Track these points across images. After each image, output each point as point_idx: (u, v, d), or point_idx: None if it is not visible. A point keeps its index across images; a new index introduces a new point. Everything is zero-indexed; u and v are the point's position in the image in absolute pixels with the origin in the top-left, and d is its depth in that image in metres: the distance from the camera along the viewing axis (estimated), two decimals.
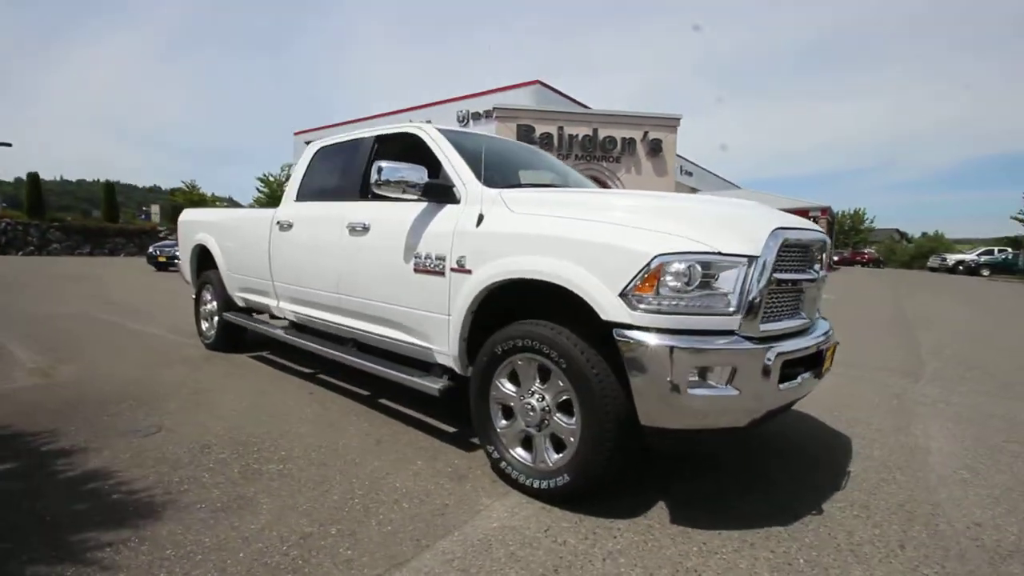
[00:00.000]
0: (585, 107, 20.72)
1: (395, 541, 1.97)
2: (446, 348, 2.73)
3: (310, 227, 3.65)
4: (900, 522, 2.26)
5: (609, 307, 2.01)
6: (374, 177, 2.69)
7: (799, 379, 2.18)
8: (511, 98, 20.89)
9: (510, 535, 2.04)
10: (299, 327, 4.07)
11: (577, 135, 15.36)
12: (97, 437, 2.79)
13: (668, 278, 1.93)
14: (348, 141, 3.73)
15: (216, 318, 5.04)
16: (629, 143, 15.33)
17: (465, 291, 2.53)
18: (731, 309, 1.97)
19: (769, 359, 1.98)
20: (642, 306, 1.96)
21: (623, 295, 1.99)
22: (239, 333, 5.03)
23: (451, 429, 3.14)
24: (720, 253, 1.95)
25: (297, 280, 3.78)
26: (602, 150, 15.48)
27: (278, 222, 3.93)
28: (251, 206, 27.56)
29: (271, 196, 25.70)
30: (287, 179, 27.71)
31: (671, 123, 15.73)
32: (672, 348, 1.90)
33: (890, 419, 3.62)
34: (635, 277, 1.96)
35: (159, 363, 4.49)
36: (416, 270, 2.80)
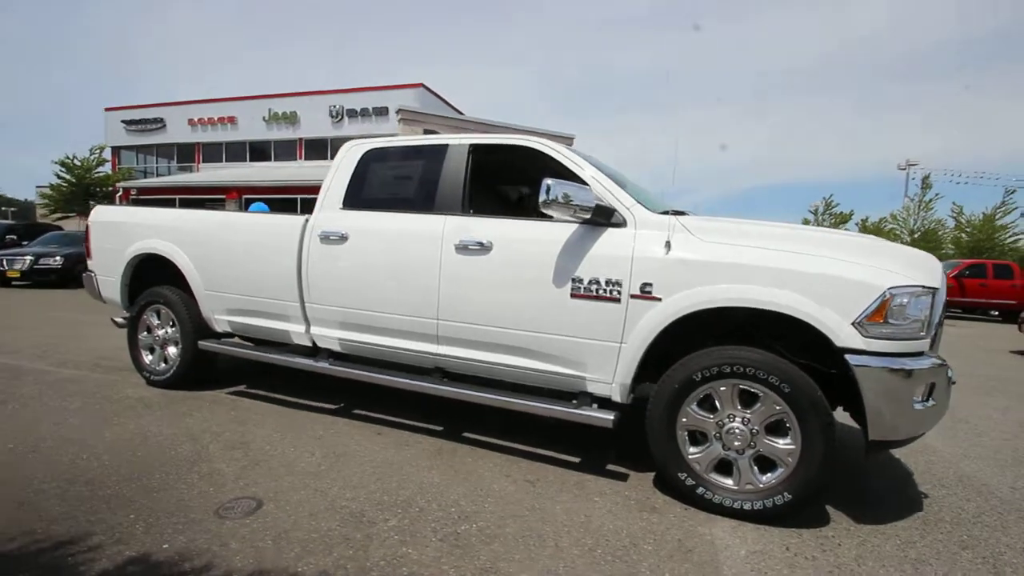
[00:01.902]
0: (460, 112, 20.89)
1: None
2: (608, 377, 2.65)
3: (383, 242, 3.16)
4: (979, 494, 2.85)
5: (844, 335, 2.20)
6: (543, 196, 2.49)
7: None
8: (392, 98, 20.03)
9: (770, 562, 2.09)
10: (338, 356, 3.47)
11: None
12: (187, 527, 2.07)
13: (894, 308, 2.20)
14: (423, 147, 3.33)
15: (173, 348, 4.01)
16: None
17: (650, 318, 2.50)
18: (922, 333, 2.30)
19: (950, 374, 2.37)
20: (873, 333, 2.19)
21: (856, 324, 2.19)
22: (210, 365, 4.08)
23: (575, 459, 3.01)
24: (923, 286, 2.27)
25: (356, 302, 3.24)
26: None
27: (322, 233, 3.31)
28: (47, 197, 21.76)
29: (77, 184, 20.44)
30: (98, 163, 22.09)
31: (567, 140, 16.76)
32: (906, 370, 2.17)
33: None
34: (869, 307, 2.18)
35: (115, 412, 3.42)
36: (574, 295, 2.65)
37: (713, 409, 2.46)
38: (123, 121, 24.37)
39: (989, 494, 2.86)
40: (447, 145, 3.22)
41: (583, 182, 2.79)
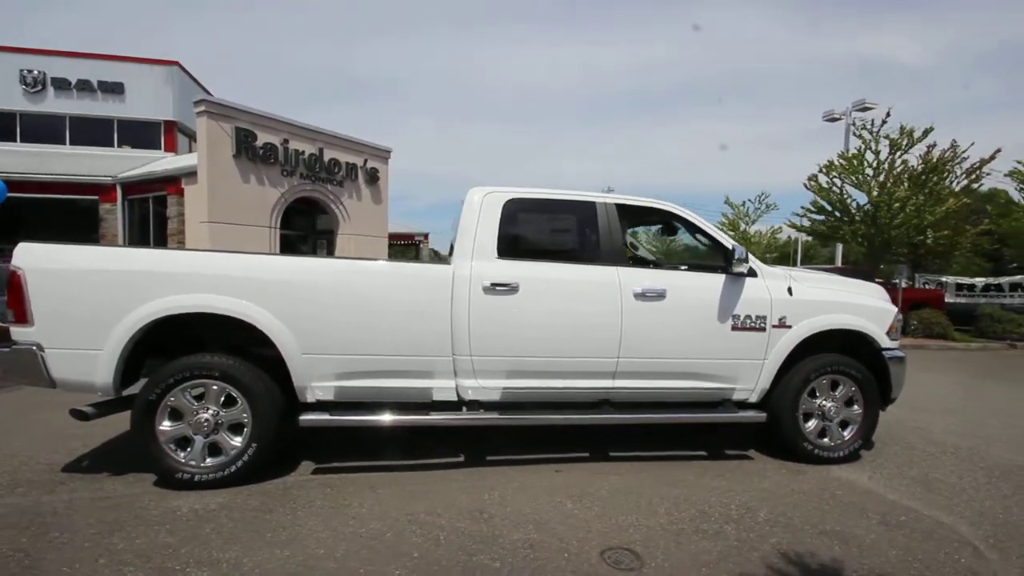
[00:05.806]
0: (210, 94, 17.85)
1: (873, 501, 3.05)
2: (751, 385, 3.64)
3: (560, 291, 3.36)
4: (910, 429, 4.91)
5: (884, 340, 3.75)
6: (738, 254, 3.36)
7: None
8: (131, 73, 15.45)
9: (881, 479, 3.43)
10: (486, 405, 3.43)
11: (303, 152, 13.27)
12: None
13: (896, 321, 3.86)
14: (567, 201, 3.61)
15: (233, 433, 3.14)
16: (351, 169, 14.47)
17: (784, 340, 3.60)
18: (898, 335, 4.05)
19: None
20: (892, 338, 3.80)
21: (887, 333, 3.77)
22: (287, 446, 3.33)
23: (703, 453, 3.87)
24: (896, 307, 4.01)
25: (531, 350, 3.34)
26: (327, 172, 13.99)
27: (488, 284, 3.26)
28: None
29: None
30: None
31: (384, 154, 15.90)
32: (900, 357, 3.84)
33: None
34: (891, 323, 3.79)
35: (243, 530, 2.61)
36: (734, 328, 3.54)
37: (814, 395, 3.72)
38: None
39: (912, 424, 4.91)
40: (594, 202, 3.63)
41: (718, 241, 3.68)
